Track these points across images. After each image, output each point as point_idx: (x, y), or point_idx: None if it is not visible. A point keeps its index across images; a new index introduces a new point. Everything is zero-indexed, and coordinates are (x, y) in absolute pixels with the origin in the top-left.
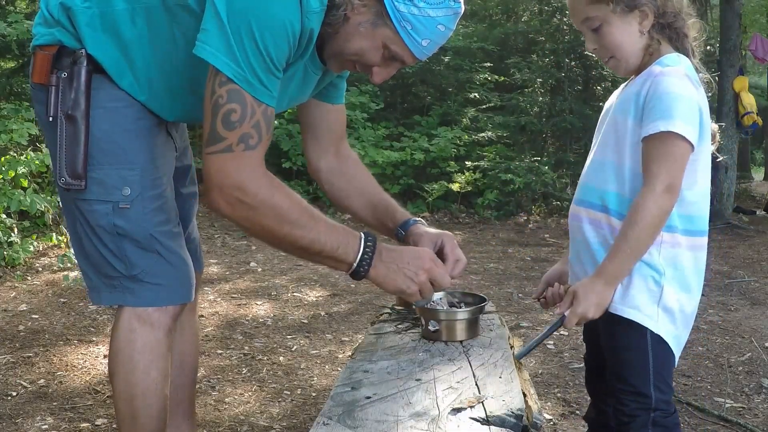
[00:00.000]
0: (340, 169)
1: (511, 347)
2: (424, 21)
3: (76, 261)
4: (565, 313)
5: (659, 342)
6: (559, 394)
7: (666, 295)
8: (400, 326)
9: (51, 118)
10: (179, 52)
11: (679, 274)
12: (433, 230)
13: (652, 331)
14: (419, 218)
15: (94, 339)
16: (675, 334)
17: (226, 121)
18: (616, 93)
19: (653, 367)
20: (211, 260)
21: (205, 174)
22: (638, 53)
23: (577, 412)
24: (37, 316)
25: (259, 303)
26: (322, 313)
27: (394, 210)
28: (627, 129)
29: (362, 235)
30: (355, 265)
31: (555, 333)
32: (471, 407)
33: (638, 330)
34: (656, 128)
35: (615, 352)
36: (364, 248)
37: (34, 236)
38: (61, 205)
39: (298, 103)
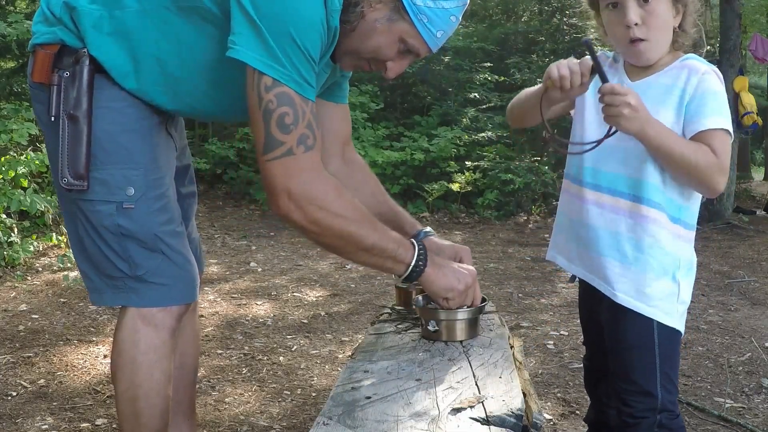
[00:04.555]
0: (348, 176)
1: (511, 347)
2: (439, 13)
3: (75, 261)
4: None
5: (666, 339)
6: (559, 394)
7: (683, 290)
8: (400, 326)
9: (53, 118)
10: (193, 55)
11: (691, 264)
12: (449, 243)
13: (659, 325)
14: (429, 229)
15: (94, 339)
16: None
17: (281, 124)
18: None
19: (660, 364)
20: (211, 260)
21: (269, 181)
22: (668, 44)
23: (577, 412)
24: (37, 316)
25: (259, 303)
26: (322, 313)
27: (404, 221)
28: (665, 122)
29: (412, 239)
30: (412, 265)
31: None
32: (471, 407)
33: (645, 327)
34: (716, 124)
35: (621, 351)
36: (419, 251)
37: (34, 236)
38: (60, 206)
39: None
